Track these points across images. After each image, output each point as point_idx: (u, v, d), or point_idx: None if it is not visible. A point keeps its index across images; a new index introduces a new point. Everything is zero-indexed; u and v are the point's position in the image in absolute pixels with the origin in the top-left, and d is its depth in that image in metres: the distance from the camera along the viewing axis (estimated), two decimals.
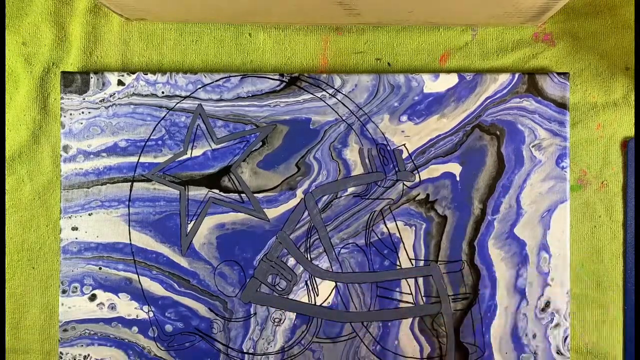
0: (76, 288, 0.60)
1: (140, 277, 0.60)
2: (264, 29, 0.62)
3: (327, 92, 0.60)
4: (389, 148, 0.60)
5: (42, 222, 0.61)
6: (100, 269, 0.60)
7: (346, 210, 0.60)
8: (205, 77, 0.60)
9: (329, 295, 0.60)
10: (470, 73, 0.60)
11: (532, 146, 0.60)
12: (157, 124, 0.60)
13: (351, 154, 0.60)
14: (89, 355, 0.59)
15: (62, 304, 0.60)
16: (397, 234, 0.60)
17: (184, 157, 0.60)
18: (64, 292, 0.60)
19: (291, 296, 0.60)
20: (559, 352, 0.60)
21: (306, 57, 0.62)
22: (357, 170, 0.60)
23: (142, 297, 0.60)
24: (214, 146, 0.60)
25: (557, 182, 0.60)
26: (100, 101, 0.60)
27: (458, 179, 0.60)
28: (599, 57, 0.62)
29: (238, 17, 0.60)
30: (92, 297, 0.60)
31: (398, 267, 0.60)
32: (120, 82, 0.60)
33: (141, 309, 0.60)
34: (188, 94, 0.60)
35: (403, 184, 0.60)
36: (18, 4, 0.61)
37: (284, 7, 0.56)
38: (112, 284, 0.60)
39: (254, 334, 0.60)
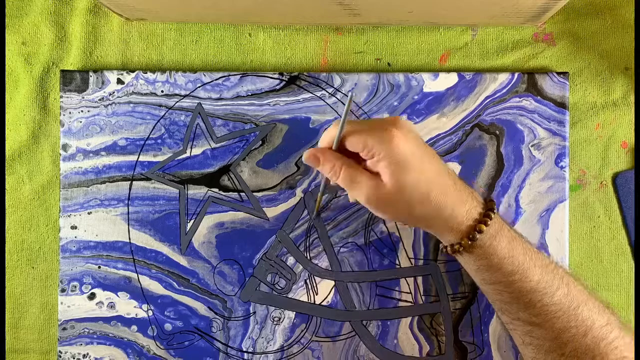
0: (75, 287, 0.60)
1: (139, 275, 0.60)
2: (264, 29, 0.62)
3: (327, 91, 0.60)
4: None
5: (41, 222, 0.61)
6: (99, 267, 0.60)
7: (345, 210, 0.60)
8: (204, 76, 0.60)
9: (328, 294, 0.60)
10: (470, 72, 0.60)
11: (532, 145, 0.60)
12: (156, 123, 0.60)
13: None
14: (88, 354, 0.59)
15: (62, 303, 0.60)
16: (397, 233, 0.60)
17: (184, 155, 0.60)
18: (63, 291, 0.60)
19: (290, 295, 0.60)
20: None
21: (306, 57, 0.62)
22: None
23: (141, 295, 0.60)
24: (213, 145, 0.60)
25: (556, 182, 0.60)
26: (100, 100, 0.60)
27: None
28: (599, 57, 0.62)
29: (238, 17, 0.60)
30: (92, 296, 0.60)
31: (397, 266, 0.60)
32: (119, 81, 0.60)
33: (140, 307, 0.60)
34: (187, 92, 0.60)
35: None
36: (18, 3, 0.61)
37: (284, 7, 0.56)
38: (112, 282, 0.60)
39: (253, 332, 0.60)
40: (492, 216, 0.49)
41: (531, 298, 0.49)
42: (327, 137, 0.51)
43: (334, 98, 0.60)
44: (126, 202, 0.60)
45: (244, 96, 0.60)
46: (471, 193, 0.51)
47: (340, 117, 0.59)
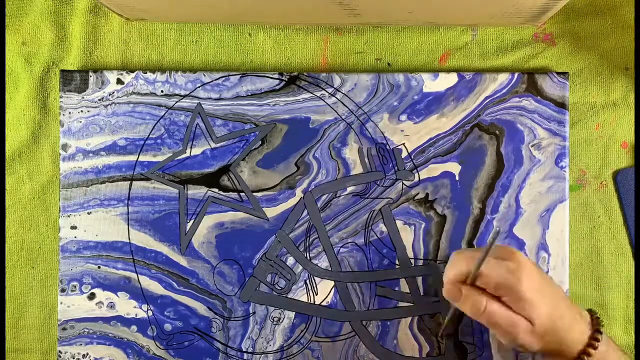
0: (75, 287, 0.60)
1: (139, 275, 0.60)
2: (264, 29, 0.62)
3: (327, 91, 0.60)
4: (388, 147, 0.60)
5: (41, 222, 0.61)
6: (99, 267, 0.60)
7: (345, 210, 0.60)
8: (204, 76, 0.60)
9: (328, 294, 0.60)
10: (469, 72, 0.60)
11: (532, 146, 0.60)
12: (156, 123, 0.60)
13: (350, 153, 0.60)
14: (87, 354, 0.59)
15: (61, 303, 0.60)
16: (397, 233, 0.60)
17: (183, 155, 0.60)
18: (63, 290, 0.60)
19: (290, 295, 0.60)
20: None
21: (306, 57, 0.62)
22: (357, 169, 0.60)
23: (141, 296, 0.60)
24: (213, 145, 0.60)
25: (556, 182, 0.60)
26: (99, 100, 0.60)
27: (457, 178, 0.60)
28: (599, 57, 0.62)
29: (238, 17, 0.60)
30: (91, 296, 0.60)
31: (397, 267, 0.60)
32: (119, 81, 0.60)
33: (140, 307, 0.60)
34: (187, 92, 0.60)
35: (402, 183, 0.60)
36: (18, 3, 0.61)
37: (284, 7, 0.56)
38: (111, 282, 0.60)
39: (253, 333, 0.60)
40: (600, 338, 0.49)
41: None
42: (456, 270, 0.51)
43: (334, 98, 0.60)
44: (126, 202, 0.60)
45: (243, 96, 0.60)
46: (579, 312, 0.51)
47: (339, 117, 0.59)
